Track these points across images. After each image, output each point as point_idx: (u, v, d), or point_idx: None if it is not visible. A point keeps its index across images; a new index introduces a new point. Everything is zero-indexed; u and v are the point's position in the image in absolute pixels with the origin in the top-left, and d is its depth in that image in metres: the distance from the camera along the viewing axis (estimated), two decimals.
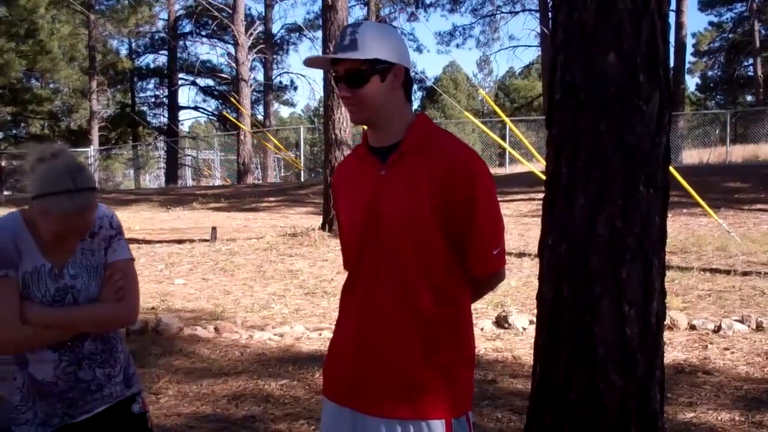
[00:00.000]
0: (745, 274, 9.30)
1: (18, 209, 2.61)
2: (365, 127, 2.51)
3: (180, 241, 13.53)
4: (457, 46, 72.40)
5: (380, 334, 2.37)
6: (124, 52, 46.86)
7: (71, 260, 2.59)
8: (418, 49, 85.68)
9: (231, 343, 6.98)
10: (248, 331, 7.36)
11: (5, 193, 33.94)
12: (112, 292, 2.63)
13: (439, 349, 2.36)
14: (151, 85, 50.11)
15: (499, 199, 2.43)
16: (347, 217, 2.54)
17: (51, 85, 45.57)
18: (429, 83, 49.16)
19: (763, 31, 47.31)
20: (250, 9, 42.22)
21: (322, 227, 13.37)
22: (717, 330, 6.85)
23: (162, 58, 46.35)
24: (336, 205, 2.66)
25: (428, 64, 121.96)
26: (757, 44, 45.43)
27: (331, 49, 2.35)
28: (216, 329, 7.38)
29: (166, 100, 46.51)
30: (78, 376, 2.60)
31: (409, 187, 2.34)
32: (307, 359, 6.37)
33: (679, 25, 33.40)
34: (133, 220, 18.38)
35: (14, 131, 47.40)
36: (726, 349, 6.33)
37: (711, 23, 53.17)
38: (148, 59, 47.96)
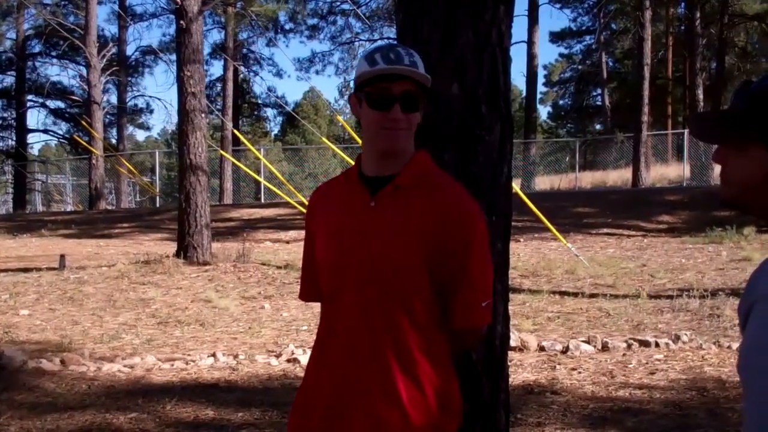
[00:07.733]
0: (592, 296, 9.68)
1: None
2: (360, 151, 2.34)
3: (26, 270, 12.91)
4: (317, 72, 72.81)
5: (359, 388, 2.17)
6: None
7: None
8: (278, 75, 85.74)
9: (78, 376, 6.71)
10: (96, 363, 7.09)
11: None
12: None
13: (427, 403, 2.17)
14: None
15: None
16: (324, 243, 2.30)
17: None
18: (288, 109, 49.11)
19: (610, 63, 49.84)
20: (103, 30, 41.02)
21: (177, 254, 13.05)
22: (565, 351, 7.08)
23: (9, 79, 44.31)
24: (310, 228, 2.41)
25: (288, 90, 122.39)
26: (605, 75, 47.79)
27: (381, 62, 2.12)
28: (62, 362, 7.08)
29: (13, 123, 44.55)
30: None
31: (400, 225, 2.18)
32: (159, 391, 6.19)
33: (531, 56, 34.61)
34: None
35: None
36: (573, 369, 6.54)
37: (561, 55, 55.50)
38: None
